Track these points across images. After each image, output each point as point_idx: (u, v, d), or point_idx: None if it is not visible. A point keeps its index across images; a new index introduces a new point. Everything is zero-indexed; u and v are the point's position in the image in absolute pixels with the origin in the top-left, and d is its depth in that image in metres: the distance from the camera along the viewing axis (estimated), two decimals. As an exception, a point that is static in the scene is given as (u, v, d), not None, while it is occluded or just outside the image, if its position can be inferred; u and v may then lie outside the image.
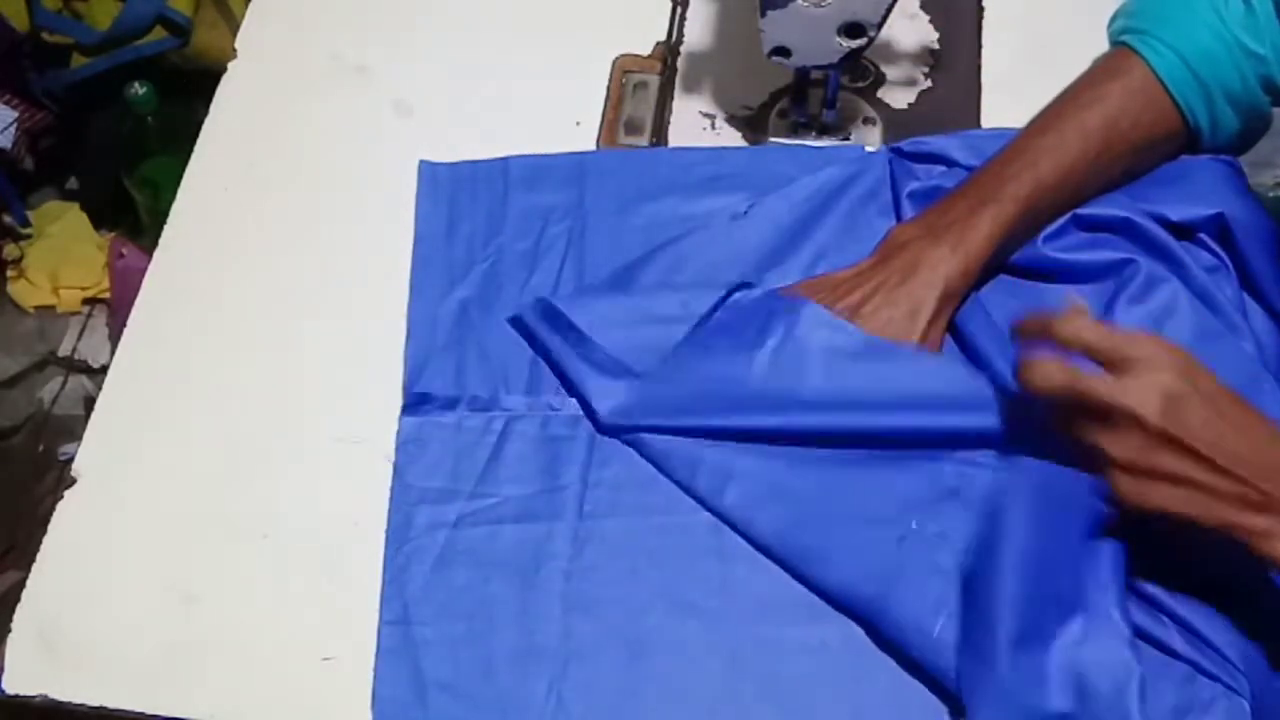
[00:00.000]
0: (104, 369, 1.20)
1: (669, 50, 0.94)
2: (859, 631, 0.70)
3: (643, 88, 0.93)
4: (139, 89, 1.41)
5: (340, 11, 0.98)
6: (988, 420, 0.71)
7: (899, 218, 0.82)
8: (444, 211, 0.86)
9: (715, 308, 0.78)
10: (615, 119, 0.91)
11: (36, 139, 1.62)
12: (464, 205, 0.86)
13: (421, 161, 0.88)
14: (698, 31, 0.95)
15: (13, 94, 1.56)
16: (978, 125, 0.90)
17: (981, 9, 0.96)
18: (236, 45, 0.97)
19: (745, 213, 0.83)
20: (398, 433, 0.77)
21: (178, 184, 0.90)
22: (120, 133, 1.48)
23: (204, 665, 0.71)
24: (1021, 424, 0.70)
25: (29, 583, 0.74)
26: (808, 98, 0.87)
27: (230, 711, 0.70)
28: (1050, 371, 0.64)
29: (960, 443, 0.72)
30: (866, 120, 0.90)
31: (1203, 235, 0.80)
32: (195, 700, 0.70)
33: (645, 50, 0.95)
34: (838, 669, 0.69)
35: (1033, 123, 0.80)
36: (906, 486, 0.72)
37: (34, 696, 0.70)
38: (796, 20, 0.78)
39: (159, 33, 1.50)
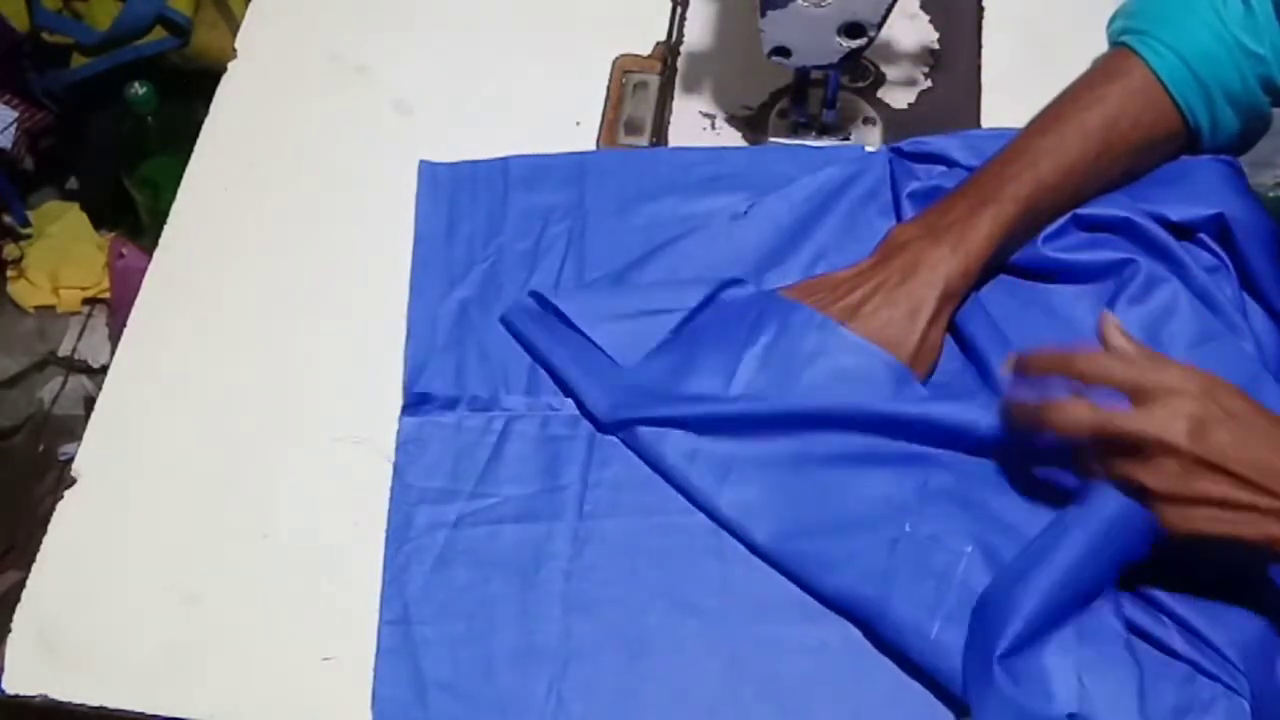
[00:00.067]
0: (104, 369, 1.20)
1: (669, 50, 0.94)
2: (858, 631, 0.70)
3: (643, 88, 0.93)
4: (139, 89, 1.41)
5: (340, 11, 0.98)
6: (980, 422, 0.71)
7: (899, 218, 0.82)
8: (444, 211, 0.86)
9: (706, 301, 0.78)
10: (615, 119, 0.91)
11: (36, 139, 1.62)
12: (464, 205, 0.86)
13: (421, 161, 0.88)
14: (698, 31, 0.95)
15: (13, 94, 1.56)
16: (978, 125, 0.90)
17: (981, 9, 0.96)
18: (236, 45, 0.97)
19: (745, 213, 0.83)
20: (398, 433, 0.77)
21: (178, 184, 0.90)
22: (120, 133, 1.48)
23: (204, 665, 0.71)
24: (1016, 425, 0.70)
25: (29, 583, 0.74)
26: (808, 98, 0.87)
27: (230, 711, 0.70)
28: (1077, 414, 0.65)
29: (951, 443, 0.72)
30: (866, 120, 0.90)
31: (1203, 235, 0.80)
32: (195, 700, 0.70)
33: (645, 50, 0.95)
34: (837, 669, 0.69)
35: (1033, 123, 0.80)
36: (899, 489, 0.72)
37: (34, 696, 0.70)
38: (796, 20, 0.78)
39: (159, 33, 1.50)
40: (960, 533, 0.70)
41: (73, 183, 1.72)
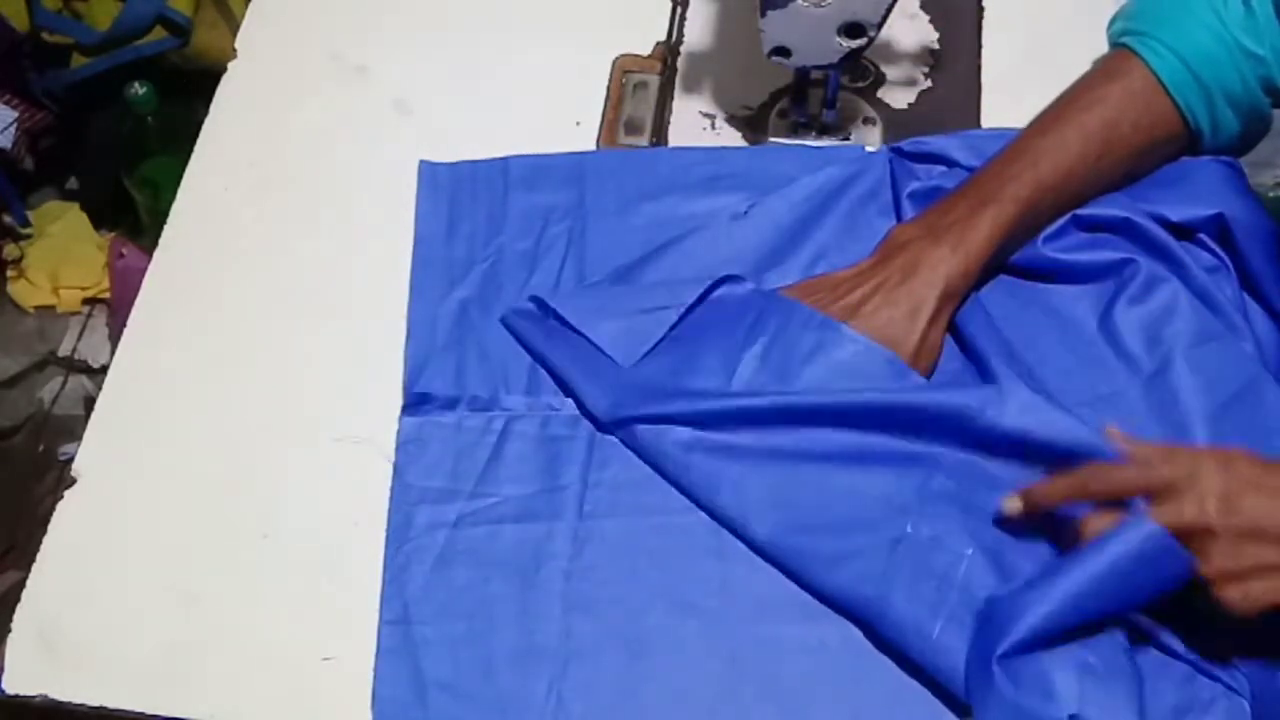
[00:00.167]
0: (104, 369, 1.20)
1: (669, 50, 0.94)
2: (858, 631, 0.70)
3: (643, 88, 0.93)
4: (139, 89, 1.41)
5: (340, 11, 0.98)
6: (979, 423, 0.71)
7: (899, 218, 0.82)
8: (444, 211, 0.86)
9: (702, 297, 0.78)
10: (615, 119, 0.91)
11: (36, 139, 1.62)
12: (464, 205, 0.86)
13: (421, 161, 0.88)
14: (698, 31, 0.95)
15: (13, 94, 1.56)
16: (978, 125, 0.90)
17: (981, 9, 0.96)
18: (236, 45, 0.97)
19: (745, 213, 0.83)
20: (398, 433, 0.77)
21: (178, 184, 0.90)
22: (120, 133, 1.48)
23: (204, 665, 0.71)
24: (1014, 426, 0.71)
25: (29, 583, 0.74)
26: (808, 98, 0.87)
27: (230, 711, 0.70)
28: (1105, 527, 0.65)
29: (953, 434, 0.72)
30: (866, 120, 0.90)
31: (1203, 235, 0.80)
32: (195, 700, 0.70)
33: (645, 50, 0.95)
34: (837, 669, 0.69)
35: (1033, 124, 0.80)
36: (899, 490, 0.72)
37: (34, 696, 0.70)
38: (796, 20, 0.78)
39: (159, 33, 1.50)
40: (961, 534, 0.70)
41: (73, 183, 1.72)
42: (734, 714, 0.68)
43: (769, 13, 0.78)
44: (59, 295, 1.65)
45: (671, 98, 0.92)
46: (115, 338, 1.05)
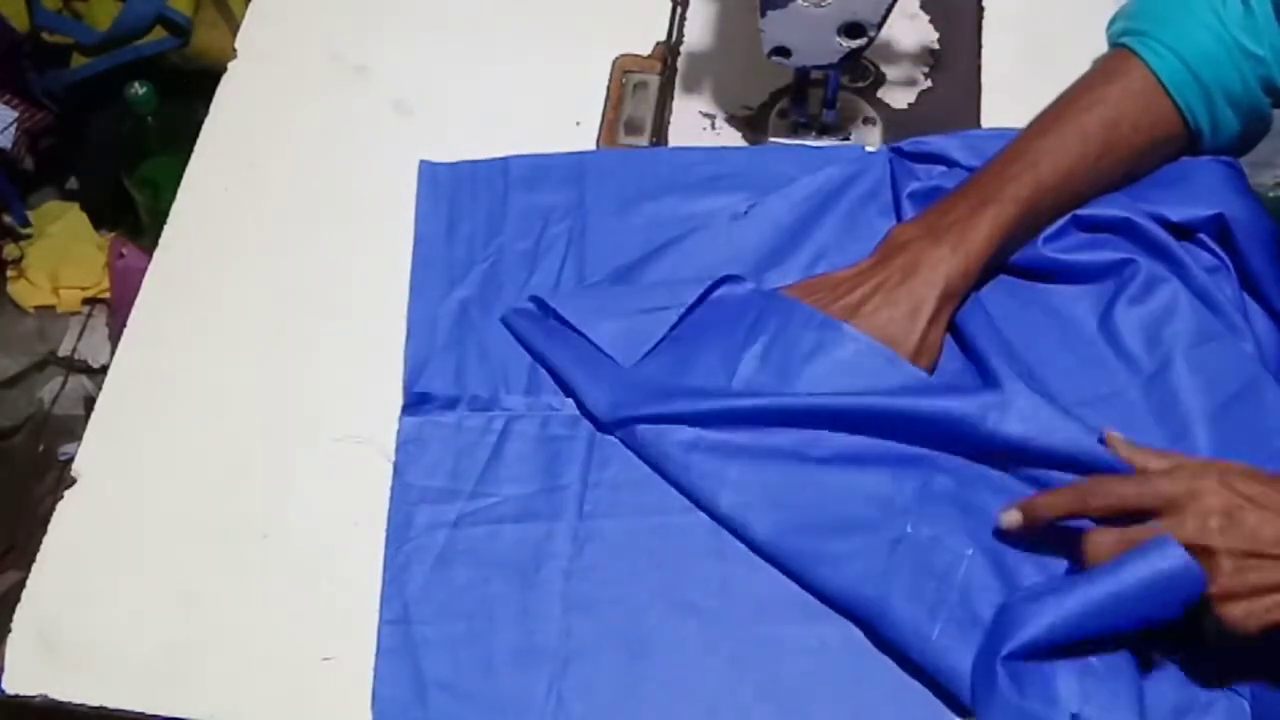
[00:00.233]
0: (104, 369, 1.20)
1: (669, 50, 0.94)
2: (858, 631, 0.70)
3: (643, 88, 0.93)
4: (139, 89, 1.41)
5: (340, 11, 0.98)
6: (982, 429, 0.71)
7: (899, 218, 0.82)
8: (444, 211, 0.86)
9: (702, 297, 0.78)
10: (615, 119, 0.91)
11: (36, 139, 1.62)
12: (464, 205, 0.86)
13: (421, 161, 0.88)
14: (698, 31, 0.95)
15: (13, 94, 1.56)
16: (978, 125, 0.90)
17: (981, 9, 0.96)
18: (236, 45, 0.97)
19: (745, 213, 0.83)
20: (398, 432, 0.77)
21: (178, 184, 0.90)
22: (120, 133, 1.48)
23: (204, 665, 0.71)
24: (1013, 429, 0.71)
25: (29, 583, 0.74)
26: (808, 98, 0.87)
27: (230, 711, 0.70)
28: (1106, 544, 0.64)
29: (955, 439, 0.72)
30: (866, 120, 0.90)
31: (1203, 235, 0.80)
32: (195, 700, 0.70)
33: (645, 50, 0.95)
34: (837, 668, 0.69)
35: (1033, 124, 0.80)
36: (900, 490, 0.72)
37: (34, 696, 0.70)
38: (796, 20, 0.78)
39: (159, 33, 1.50)
40: (961, 535, 0.70)
41: (73, 183, 1.72)
42: (734, 714, 0.68)
43: (769, 13, 0.78)
44: (59, 295, 1.65)
45: (671, 98, 0.92)
46: (115, 338, 1.05)
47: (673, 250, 0.82)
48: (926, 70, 0.93)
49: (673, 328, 0.78)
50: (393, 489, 0.75)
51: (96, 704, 0.70)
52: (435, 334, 0.80)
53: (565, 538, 0.73)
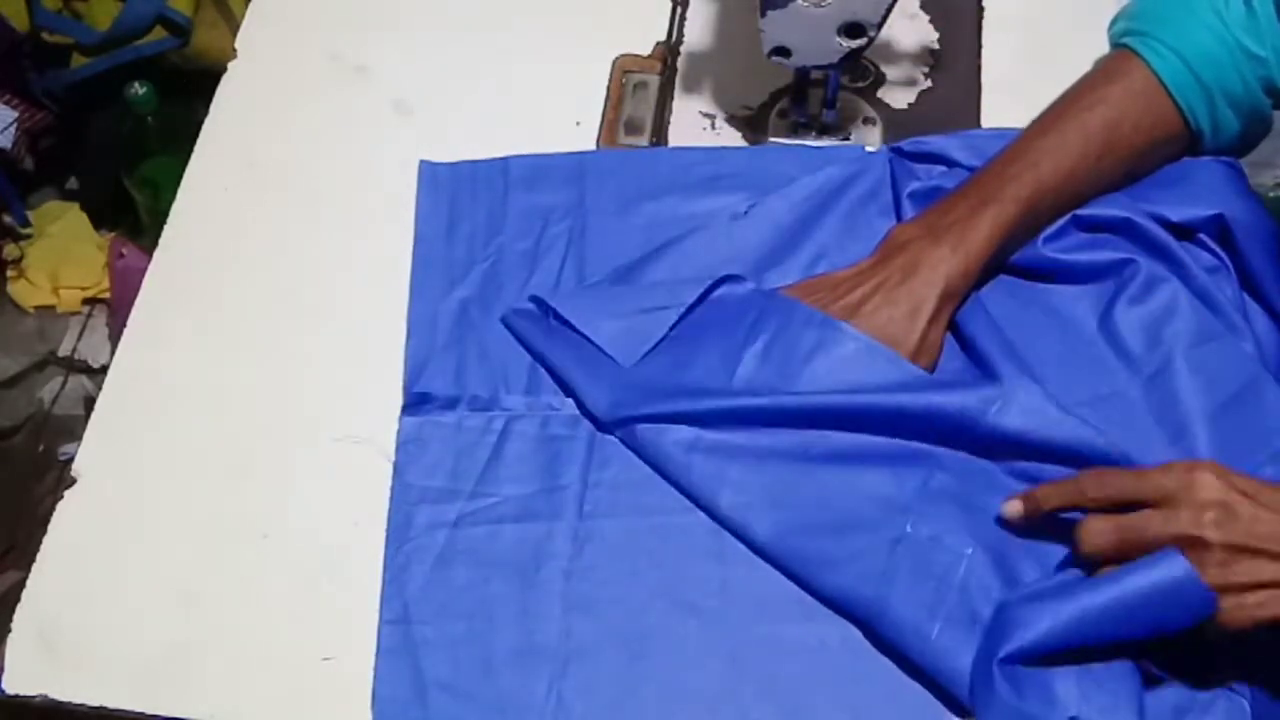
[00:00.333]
0: (104, 369, 1.20)
1: (669, 50, 0.94)
2: (858, 631, 0.70)
3: (643, 88, 0.93)
4: (139, 89, 1.41)
5: (340, 11, 0.98)
6: (982, 424, 0.71)
7: (899, 218, 0.82)
8: (444, 211, 0.86)
9: (703, 297, 0.78)
10: (615, 119, 0.91)
11: (36, 139, 1.62)
12: (464, 205, 0.86)
13: (422, 161, 0.88)
14: (698, 31, 0.95)
15: (13, 94, 1.56)
16: (978, 125, 0.90)
17: (981, 9, 0.96)
18: (236, 45, 0.97)
19: (745, 213, 0.83)
20: (398, 432, 0.77)
21: (178, 184, 0.90)
22: (120, 133, 1.48)
23: (204, 665, 0.71)
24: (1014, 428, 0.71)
25: (29, 583, 0.74)
26: (808, 98, 0.87)
27: (230, 711, 0.70)
28: (1100, 530, 0.65)
29: (956, 436, 0.72)
30: (866, 120, 0.90)
31: (1203, 236, 0.80)
32: (195, 700, 0.70)
33: (645, 50, 0.95)
34: (837, 668, 0.69)
35: (1034, 124, 0.80)
36: (900, 489, 0.72)
37: (34, 696, 0.70)
38: (796, 20, 0.78)
39: (159, 33, 1.50)
40: (961, 534, 0.70)
41: (73, 183, 1.72)
42: (734, 713, 0.68)
43: (769, 13, 0.78)
44: (59, 295, 1.65)
45: (671, 98, 0.92)
46: (115, 338, 1.05)
47: (673, 250, 0.82)
48: (926, 70, 0.93)
49: (672, 327, 0.78)
50: (393, 489, 0.75)
51: (96, 704, 0.70)
52: (435, 334, 0.80)
53: (565, 538, 0.73)
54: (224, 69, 0.96)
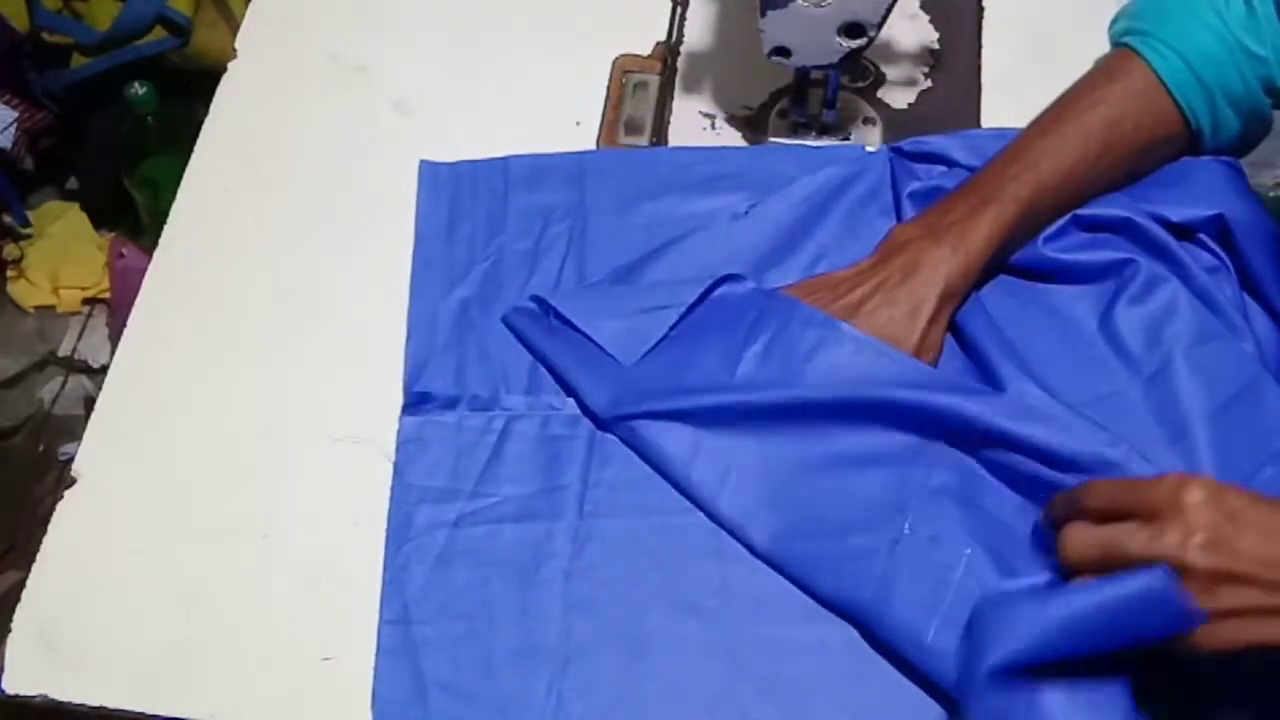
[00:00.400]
0: (104, 369, 1.20)
1: (669, 50, 0.94)
2: (858, 632, 0.70)
3: (643, 88, 0.93)
4: (139, 89, 1.41)
5: (340, 11, 0.98)
6: (982, 420, 0.71)
7: (899, 217, 0.82)
8: (444, 211, 0.86)
9: (703, 296, 0.78)
10: (615, 119, 0.91)
11: (36, 139, 1.62)
12: (464, 205, 0.86)
13: (422, 161, 0.88)
14: (698, 31, 0.95)
15: (13, 94, 1.56)
16: (978, 125, 0.90)
17: (981, 9, 0.96)
18: (236, 45, 0.97)
19: (745, 213, 0.83)
20: (398, 432, 0.77)
21: (178, 184, 0.90)
22: (120, 133, 1.48)
23: (204, 665, 0.71)
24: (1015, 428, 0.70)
25: (29, 583, 0.74)
26: (808, 98, 0.87)
27: (230, 711, 0.70)
28: (1082, 540, 0.62)
29: (954, 436, 0.72)
30: (866, 120, 0.90)
31: (1203, 236, 0.80)
32: (195, 700, 0.70)
33: (645, 50, 0.95)
34: (837, 669, 0.69)
35: (1034, 124, 0.80)
36: (899, 490, 0.72)
37: (34, 696, 0.70)
38: (796, 20, 0.78)
39: (159, 33, 1.50)
40: (960, 534, 0.70)
41: (73, 183, 1.72)
42: (734, 714, 0.68)
43: (769, 13, 0.78)
44: (59, 295, 1.65)
45: (671, 98, 0.92)
46: (115, 338, 1.05)
47: (673, 250, 0.82)
48: (926, 70, 0.93)
49: (673, 327, 0.78)
50: (393, 489, 0.75)
51: (96, 704, 0.70)
52: (435, 334, 0.80)
53: (565, 537, 0.73)
54: (224, 69, 0.96)
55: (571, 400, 0.77)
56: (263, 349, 0.82)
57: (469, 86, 0.94)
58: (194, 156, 0.91)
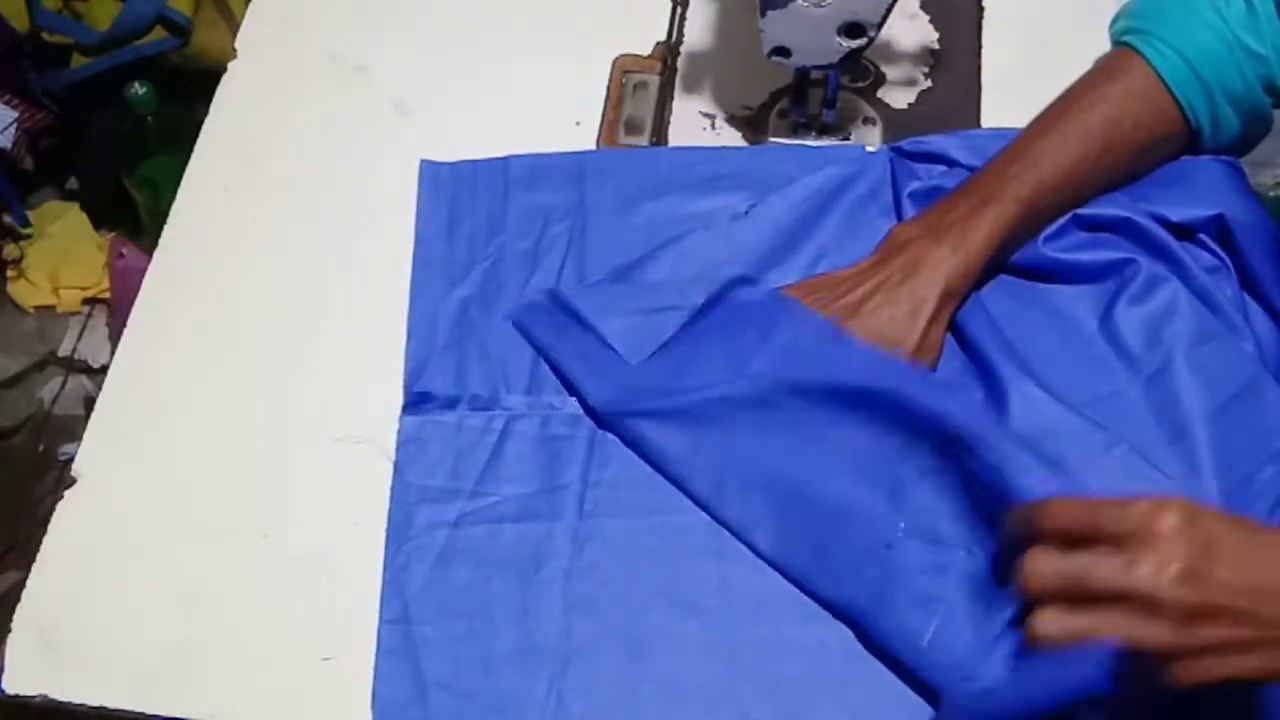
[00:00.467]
0: (104, 369, 1.20)
1: (669, 50, 0.94)
2: (856, 634, 0.70)
3: (643, 88, 0.93)
4: (139, 89, 1.41)
5: (340, 11, 0.98)
6: (980, 423, 0.71)
7: (900, 217, 0.82)
8: (444, 211, 0.86)
9: (714, 300, 0.78)
10: (615, 119, 0.91)
11: (36, 139, 1.62)
12: (465, 204, 0.86)
13: (422, 161, 0.88)
14: (698, 31, 0.95)
15: (13, 94, 1.56)
16: (978, 125, 0.90)
17: (981, 9, 0.96)
18: (236, 45, 0.97)
19: (745, 213, 0.83)
20: (398, 432, 0.77)
21: (178, 184, 0.90)
22: (120, 133, 1.48)
23: (204, 665, 0.71)
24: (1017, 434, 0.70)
25: (29, 583, 0.74)
26: (808, 98, 0.87)
27: (230, 711, 0.70)
28: (1043, 572, 0.57)
29: (950, 442, 0.72)
30: (866, 120, 0.90)
31: (1203, 235, 0.80)
32: (195, 700, 0.70)
33: (645, 50, 0.95)
34: (837, 669, 0.69)
35: (1034, 123, 0.80)
36: (895, 490, 0.71)
37: (34, 696, 0.70)
38: (796, 20, 0.78)
39: (159, 33, 1.50)
40: (955, 535, 0.70)
41: (73, 183, 1.72)
42: (734, 713, 0.68)
43: (769, 13, 0.78)
44: (59, 295, 1.65)
45: (671, 98, 0.92)
46: (115, 338, 1.05)
47: (673, 250, 0.82)
48: (926, 70, 0.93)
49: (682, 328, 0.77)
50: (393, 489, 0.75)
51: (96, 704, 0.70)
52: (435, 333, 0.80)
53: (565, 537, 0.73)
54: (224, 69, 0.96)
55: (572, 400, 0.77)
56: (263, 349, 0.82)
57: (469, 86, 0.94)
58: (194, 156, 0.91)
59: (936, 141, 0.85)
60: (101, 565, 0.75)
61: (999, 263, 0.79)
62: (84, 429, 0.80)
